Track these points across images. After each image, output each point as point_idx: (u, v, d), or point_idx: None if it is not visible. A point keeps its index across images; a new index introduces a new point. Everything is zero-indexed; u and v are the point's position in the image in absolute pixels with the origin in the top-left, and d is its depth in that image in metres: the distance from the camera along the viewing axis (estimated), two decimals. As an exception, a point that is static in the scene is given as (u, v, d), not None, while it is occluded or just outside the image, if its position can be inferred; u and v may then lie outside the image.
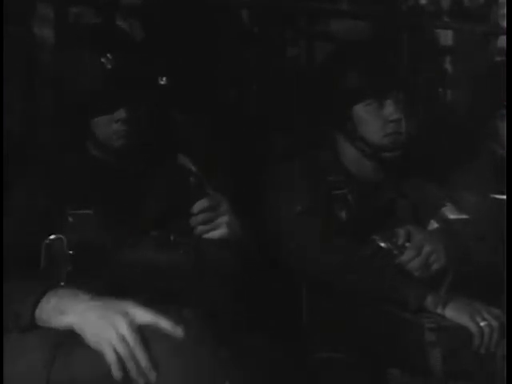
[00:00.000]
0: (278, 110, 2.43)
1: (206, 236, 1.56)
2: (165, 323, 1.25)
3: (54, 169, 1.66)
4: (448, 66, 2.98)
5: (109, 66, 1.61)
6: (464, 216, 1.90)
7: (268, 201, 1.89)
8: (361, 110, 1.90)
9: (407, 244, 1.72)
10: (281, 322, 1.72)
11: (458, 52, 2.89)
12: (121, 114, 1.62)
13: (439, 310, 1.72)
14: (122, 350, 1.23)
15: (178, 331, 1.24)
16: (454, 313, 1.72)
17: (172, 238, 1.58)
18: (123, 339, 1.23)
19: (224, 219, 1.56)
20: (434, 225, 1.90)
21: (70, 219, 1.56)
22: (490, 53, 2.85)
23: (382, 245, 1.72)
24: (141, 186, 1.66)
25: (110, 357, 1.23)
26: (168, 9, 2.28)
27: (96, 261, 1.54)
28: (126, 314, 1.26)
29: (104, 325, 1.25)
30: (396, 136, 1.89)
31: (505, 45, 2.48)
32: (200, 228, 1.55)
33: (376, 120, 1.89)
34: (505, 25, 2.81)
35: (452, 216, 1.89)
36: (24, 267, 1.49)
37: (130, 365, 1.22)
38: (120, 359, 1.22)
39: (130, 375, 1.22)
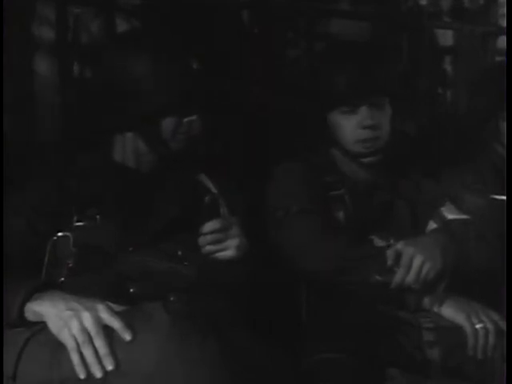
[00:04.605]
0: (278, 111, 2.43)
1: (214, 256, 1.58)
2: (117, 325, 1.32)
3: (67, 172, 1.68)
4: (448, 66, 2.98)
5: (195, 68, 1.63)
6: (463, 216, 1.90)
7: (266, 201, 1.89)
8: (335, 115, 1.88)
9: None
10: (280, 322, 1.72)
11: (458, 52, 2.89)
12: (193, 117, 1.63)
13: (436, 309, 1.73)
14: (81, 338, 1.30)
15: (126, 335, 1.31)
16: (450, 311, 1.72)
17: (180, 253, 1.58)
18: (84, 330, 1.31)
19: (234, 242, 1.58)
20: (432, 225, 1.91)
21: (78, 223, 1.58)
22: (490, 53, 2.85)
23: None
24: (154, 196, 1.66)
25: (70, 344, 1.30)
26: (168, 9, 2.28)
27: (97, 260, 1.55)
28: (93, 310, 1.33)
29: (70, 315, 1.33)
30: (371, 142, 1.87)
31: (505, 45, 2.48)
32: (208, 248, 1.57)
33: (348, 126, 1.87)
34: (505, 25, 2.81)
35: (451, 216, 1.90)
36: (28, 265, 1.51)
37: (87, 352, 1.29)
38: (78, 346, 1.30)
39: (87, 361, 1.29)
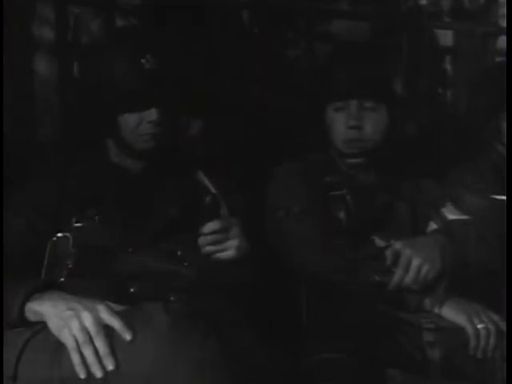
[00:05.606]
0: (278, 111, 2.43)
1: (214, 256, 1.58)
2: (118, 325, 1.32)
3: (67, 172, 1.68)
4: (448, 66, 2.98)
5: (147, 66, 1.61)
6: (464, 216, 1.90)
7: (266, 201, 1.89)
8: (330, 113, 1.89)
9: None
10: (280, 322, 1.72)
11: (458, 52, 2.89)
12: (152, 114, 1.61)
13: (436, 310, 1.73)
14: (81, 338, 1.30)
15: (126, 335, 1.30)
16: (451, 312, 1.72)
17: (179, 253, 1.58)
18: (84, 330, 1.31)
19: (234, 243, 1.58)
20: (433, 226, 1.90)
21: (78, 224, 1.58)
22: (490, 53, 2.85)
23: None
24: (153, 197, 1.66)
25: (70, 344, 1.30)
26: (168, 9, 2.28)
27: (97, 260, 1.55)
28: (93, 310, 1.33)
29: (70, 315, 1.33)
30: (356, 143, 1.87)
31: (505, 45, 2.48)
32: (208, 248, 1.57)
33: (339, 125, 1.88)
34: (505, 25, 2.81)
35: (452, 216, 1.89)
36: (28, 265, 1.51)
37: (87, 351, 1.29)
38: (78, 346, 1.30)
39: (87, 361, 1.29)
